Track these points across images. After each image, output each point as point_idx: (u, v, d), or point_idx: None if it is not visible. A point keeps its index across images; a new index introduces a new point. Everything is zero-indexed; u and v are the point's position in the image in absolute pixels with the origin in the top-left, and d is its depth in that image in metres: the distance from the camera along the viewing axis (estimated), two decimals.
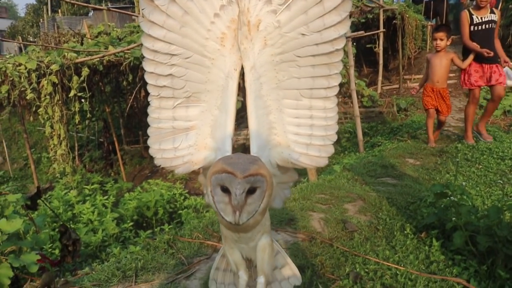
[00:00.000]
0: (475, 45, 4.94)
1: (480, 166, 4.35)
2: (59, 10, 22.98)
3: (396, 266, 2.22)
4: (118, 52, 7.03)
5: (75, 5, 21.17)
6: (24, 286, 2.11)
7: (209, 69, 1.34)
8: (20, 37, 20.18)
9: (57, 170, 7.39)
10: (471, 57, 5.01)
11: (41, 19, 23.31)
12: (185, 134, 1.40)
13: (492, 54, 4.82)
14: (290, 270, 1.47)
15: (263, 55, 1.29)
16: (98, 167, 11.21)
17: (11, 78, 6.66)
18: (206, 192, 1.26)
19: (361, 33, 7.51)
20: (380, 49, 11.02)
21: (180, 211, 6.13)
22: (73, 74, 6.96)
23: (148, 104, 1.41)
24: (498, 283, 2.01)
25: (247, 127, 1.49)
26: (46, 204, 2.97)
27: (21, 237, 2.52)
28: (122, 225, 5.47)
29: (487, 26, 4.95)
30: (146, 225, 6.08)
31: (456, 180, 3.20)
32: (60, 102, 7.05)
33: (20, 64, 6.73)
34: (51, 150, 7.47)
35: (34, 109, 7.30)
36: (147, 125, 1.41)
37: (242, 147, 9.09)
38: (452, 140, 5.63)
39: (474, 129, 5.42)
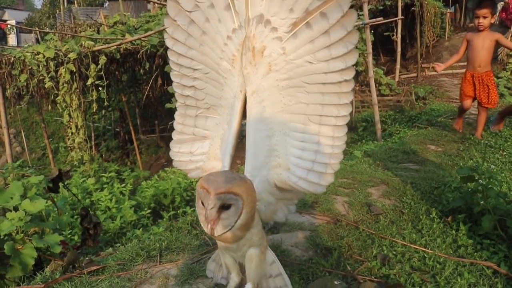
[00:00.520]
0: None
1: (504, 153, 4.26)
2: (75, 1, 23.10)
3: (424, 249, 2.17)
4: (135, 40, 7.02)
5: None
6: (49, 265, 2.11)
7: (222, 86, 1.42)
8: (37, 29, 20.34)
9: (75, 158, 7.43)
10: None
11: (57, 10, 23.47)
12: (201, 141, 1.51)
13: None
14: (283, 280, 1.49)
15: (268, 80, 1.32)
16: (114, 156, 11.29)
17: (29, 67, 6.70)
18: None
19: (379, 19, 7.39)
20: (398, 37, 10.85)
21: None
22: (91, 62, 6.97)
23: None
24: None
25: None
26: (67, 188, 2.98)
27: (44, 219, 2.53)
28: (140, 212, 5.50)
29: None
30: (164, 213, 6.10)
31: (483, 163, 3.13)
32: (77, 90, 7.07)
33: (38, 53, 6.75)
34: (69, 139, 7.52)
35: (52, 98, 7.35)
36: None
37: None
38: (474, 127, 5.51)
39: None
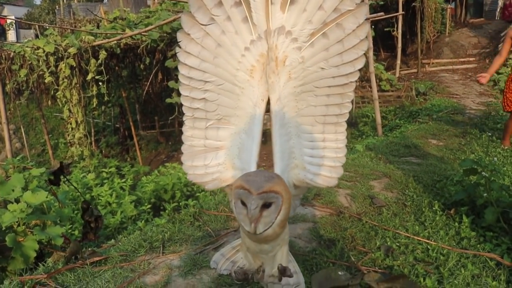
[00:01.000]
0: None
1: (506, 147, 4.25)
2: None
3: (427, 241, 2.17)
4: (135, 34, 6.99)
5: None
6: (51, 256, 2.11)
7: (239, 96, 1.44)
8: (37, 23, 20.26)
9: (75, 153, 7.41)
10: None
11: (57, 6, 23.38)
12: (215, 152, 1.50)
13: None
14: (297, 278, 1.54)
15: (287, 87, 1.39)
16: (114, 152, 11.27)
17: (29, 62, 6.67)
18: (231, 202, 1.37)
19: (380, 14, 7.36)
20: (398, 33, 10.82)
21: (198, 194, 6.12)
22: (91, 57, 6.94)
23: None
24: None
25: None
26: (69, 181, 2.97)
27: (45, 212, 2.52)
28: (140, 207, 5.49)
29: None
30: (164, 208, 6.09)
31: (486, 156, 3.13)
32: (77, 85, 7.05)
33: (38, 48, 6.73)
34: (69, 134, 7.50)
35: (52, 93, 7.32)
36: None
37: None
38: (475, 122, 5.51)
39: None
